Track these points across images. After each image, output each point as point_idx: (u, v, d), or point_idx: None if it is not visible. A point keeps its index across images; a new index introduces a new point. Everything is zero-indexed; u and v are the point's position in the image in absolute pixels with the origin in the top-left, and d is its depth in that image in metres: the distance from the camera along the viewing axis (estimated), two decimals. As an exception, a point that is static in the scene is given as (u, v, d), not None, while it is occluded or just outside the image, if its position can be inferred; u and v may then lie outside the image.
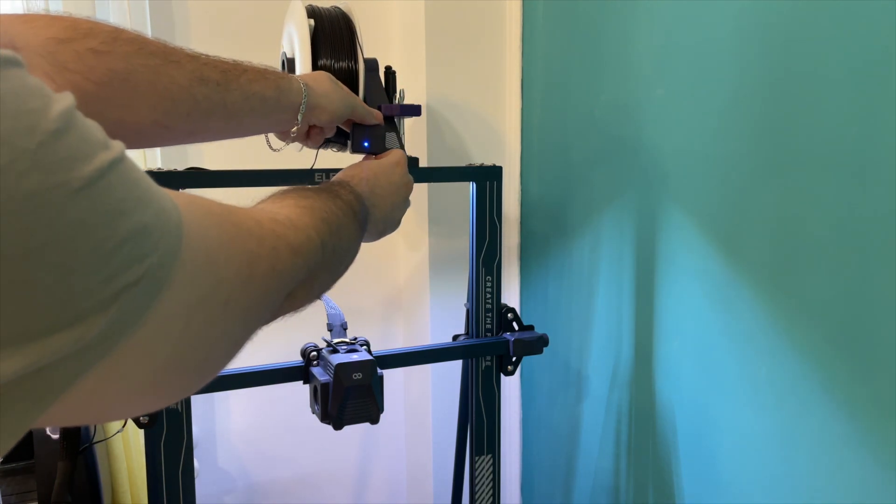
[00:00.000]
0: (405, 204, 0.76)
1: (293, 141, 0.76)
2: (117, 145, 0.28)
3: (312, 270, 0.47)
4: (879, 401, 0.70)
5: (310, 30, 0.86)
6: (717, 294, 0.90)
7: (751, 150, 0.83)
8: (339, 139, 0.93)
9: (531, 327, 1.00)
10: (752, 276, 0.84)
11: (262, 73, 0.67)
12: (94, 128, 0.27)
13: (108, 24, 0.54)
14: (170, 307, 0.30)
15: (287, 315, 0.48)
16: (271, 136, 0.79)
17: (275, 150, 0.79)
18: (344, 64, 0.88)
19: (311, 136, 0.80)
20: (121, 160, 0.27)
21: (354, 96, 0.81)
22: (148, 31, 1.21)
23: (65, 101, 0.26)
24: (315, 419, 0.86)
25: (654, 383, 1.04)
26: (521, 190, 1.39)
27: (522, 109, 1.37)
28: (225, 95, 0.62)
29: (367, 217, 0.64)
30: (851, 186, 0.71)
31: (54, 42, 0.50)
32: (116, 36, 0.54)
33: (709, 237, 0.91)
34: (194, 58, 0.61)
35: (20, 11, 1.10)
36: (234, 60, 0.66)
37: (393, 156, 0.78)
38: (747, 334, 0.85)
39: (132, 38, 0.55)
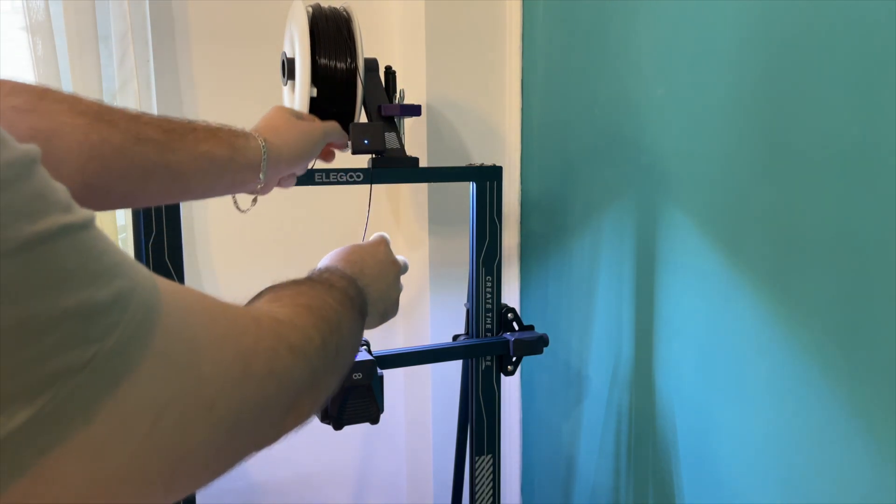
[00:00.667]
0: (397, 283, 0.72)
1: (261, 194, 0.71)
2: (83, 212, 0.25)
3: (316, 374, 0.43)
4: (879, 400, 0.70)
5: (310, 36, 0.85)
6: (717, 294, 0.90)
7: (751, 149, 0.83)
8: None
9: (531, 327, 1.00)
10: (752, 275, 0.85)
11: (214, 132, 0.63)
12: (57, 188, 0.24)
13: (38, 84, 0.51)
14: (132, 403, 0.26)
15: (292, 432, 0.43)
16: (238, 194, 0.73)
17: (242, 211, 0.74)
18: (343, 64, 0.88)
19: (283, 182, 0.75)
20: (81, 227, 0.24)
21: (320, 127, 0.76)
22: (148, 31, 1.21)
23: (21, 151, 0.23)
24: (315, 419, 0.86)
25: (654, 383, 1.04)
26: (521, 190, 1.39)
27: (522, 109, 1.37)
28: (167, 155, 0.57)
29: (365, 300, 0.60)
30: (851, 186, 0.71)
31: None
32: (43, 95, 0.50)
33: (709, 237, 0.91)
34: (135, 118, 0.57)
35: (20, 13, 1.10)
36: (186, 120, 0.62)
37: (374, 237, 0.76)
38: (747, 334, 0.85)
39: (61, 98, 0.52)
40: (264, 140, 0.67)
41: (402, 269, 0.75)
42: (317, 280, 0.54)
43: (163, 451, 0.28)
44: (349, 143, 0.88)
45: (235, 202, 0.74)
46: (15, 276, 0.22)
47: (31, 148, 0.23)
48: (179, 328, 0.29)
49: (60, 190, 0.25)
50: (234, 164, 0.64)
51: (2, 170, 0.22)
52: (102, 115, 0.54)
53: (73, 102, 0.52)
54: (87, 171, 0.52)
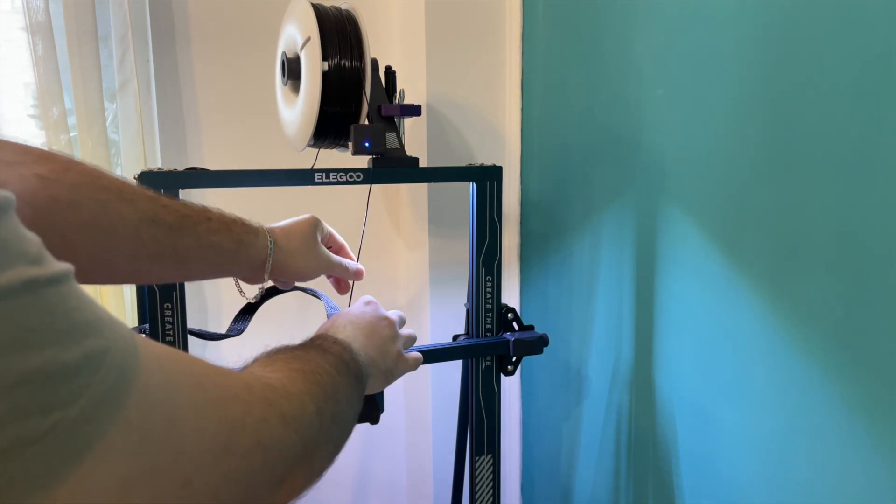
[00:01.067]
0: (395, 339, 0.72)
1: (248, 283, 0.74)
2: (56, 266, 0.23)
3: (309, 445, 0.40)
4: (879, 400, 0.70)
5: (322, 72, 0.85)
6: (717, 294, 0.90)
7: (751, 149, 0.83)
8: (340, 140, 0.93)
9: (531, 327, 1.00)
10: (752, 275, 0.84)
11: (228, 225, 0.64)
12: (27, 239, 0.23)
13: (66, 154, 0.52)
14: (97, 478, 0.23)
15: None
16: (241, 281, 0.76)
17: (247, 299, 0.77)
18: (348, 63, 0.88)
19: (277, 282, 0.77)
20: (51, 282, 0.23)
21: (330, 259, 0.78)
22: (148, 32, 1.21)
23: None
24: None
25: (654, 383, 1.04)
26: (521, 190, 1.39)
27: (522, 109, 1.37)
28: (176, 240, 0.58)
29: (360, 365, 0.59)
30: (851, 186, 0.71)
31: (2, 164, 0.46)
32: (69, 166, 0.51)
33: (709, 237, 0.91)
34: (153, 199, 0.57)
35: (20, 13, 1.10)
36: (202, 207, 0.62)
37: (361, 300, 0.76)
38: (747, 334, 0.85)
39: (86, 171, 0.52)
40: (274, 242, 0.69)
41: (399, 322, 0.75)
42: (310, 346, 0.54)
43: None
44: (351, 144, 0.88)
45: (238, 286, 0.75)
46: None
47: (4, 195, 0.22)
48: (158, 395, 0.27)
49: (31, 241, 0.23)
50: (237, 256, 0.65)
51: None
52: (124, 193, 0.55)
53: (96, 177, 0.53)
54: (99, 246, 0.52)
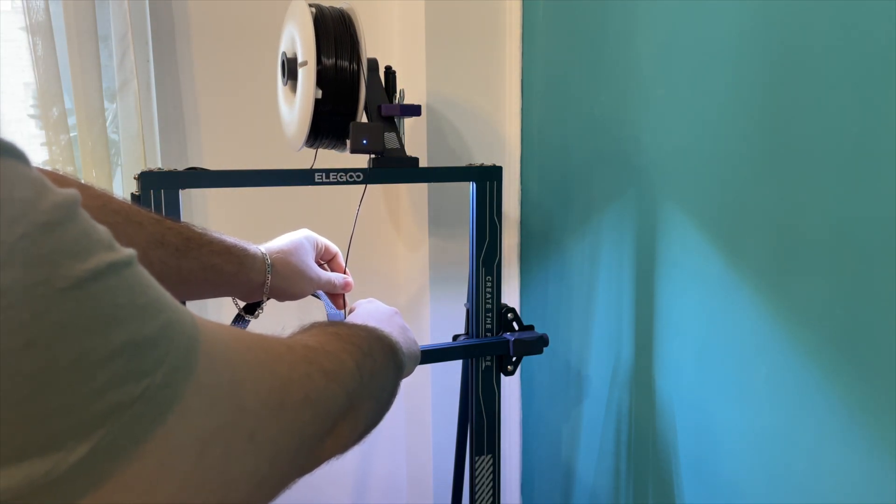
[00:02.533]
0: (406, 326, 0.75)
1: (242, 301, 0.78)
2: (126, 250, 0.25)
3: (352, 398, 0.43)
4: (879, 400, 0.70)
5: (317, 73, 0.85)
6: (717, 294, 0.90)
7: (751, 150, 0.83)
8: (338, 141, 0.93)
9: (531, 327, 1.00)
10: (752, 275, 0.84)
11: (229, 249, 0.67)
12: (99, 228, 0.25)
13: (76, 178, 0.54)
14: (179, 436, 0.26)
15: (333, 458, 0.43)
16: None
17: (240, 311, 0.80)
18: (346, 64, 0.88)
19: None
20: (127, 264, 0.25)
21: (322, 278, 0.81)
22: (148, 32, 1.21)
23: (64, 195, 0.23)
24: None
25: (654, 383, 1.04)
26: (521, 190, 1.39)
27: (522, 109, 1.37)
28: (181, 261, 0.61)
29: (394, 342, 0.61)
30: (851, 186, 0.71)
31: None
32: (81, 190, 0.51)
33: (709, 237, 0.91)
34: (159, 221, 0.60)
35: (20, 13, 1.10)
36: (202, 230, 0.65)
37: (361, 301, 0.79)
38: (747, 334, 0.85)
39: (96, 195, 0.54)
40: (272, 266, 0.73)
41: None
42: (339, 323, 0.56)
43: (209, 483, 0.28)
44: (349, 142, 0.88)
45: (236, 302, 0.78)
46: (71, 314, 0.22)
47: (72, 192, 0.24)
48: (220, 360, 0.29)
49: (102, 230, 0.25)
50: (237, 279, 0.69)
51: (50, 212, 0.22)
52: (132, 216, 0.57)
53: (106, 200, 0.55)
54: None
